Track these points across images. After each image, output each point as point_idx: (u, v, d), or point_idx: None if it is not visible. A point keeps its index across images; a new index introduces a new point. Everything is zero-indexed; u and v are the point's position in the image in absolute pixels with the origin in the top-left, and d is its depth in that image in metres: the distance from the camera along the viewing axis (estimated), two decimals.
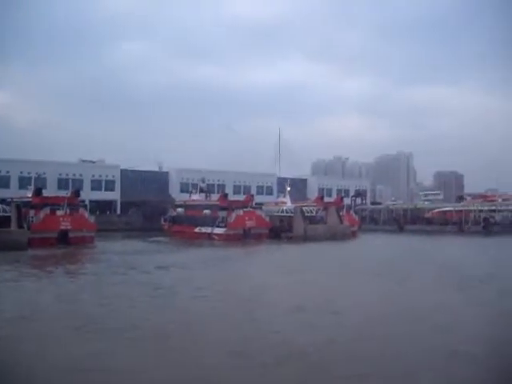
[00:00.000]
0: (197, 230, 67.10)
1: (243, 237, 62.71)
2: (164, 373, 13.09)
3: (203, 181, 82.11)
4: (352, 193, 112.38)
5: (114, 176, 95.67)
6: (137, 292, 25.32)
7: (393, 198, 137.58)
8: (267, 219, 66.71)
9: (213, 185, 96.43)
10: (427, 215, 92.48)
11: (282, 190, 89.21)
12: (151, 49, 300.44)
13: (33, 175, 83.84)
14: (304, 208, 70.29)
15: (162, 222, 76.59)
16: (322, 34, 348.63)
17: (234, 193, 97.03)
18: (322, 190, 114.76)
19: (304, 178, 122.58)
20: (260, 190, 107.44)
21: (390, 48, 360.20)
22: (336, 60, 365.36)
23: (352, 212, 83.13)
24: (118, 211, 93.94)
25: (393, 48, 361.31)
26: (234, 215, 64.46)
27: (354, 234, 71.74)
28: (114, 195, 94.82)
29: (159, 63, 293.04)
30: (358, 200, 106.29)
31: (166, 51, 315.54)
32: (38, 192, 59.94)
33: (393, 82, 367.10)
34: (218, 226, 65.21)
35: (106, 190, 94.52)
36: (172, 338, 16.64)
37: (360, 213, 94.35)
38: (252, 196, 72.31)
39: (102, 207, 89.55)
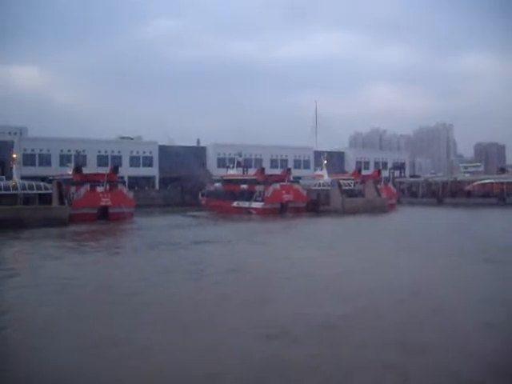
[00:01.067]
0: (234, 204, 67.54)
1: (280, 211, 62.86)
2: None
3: (240, 155, 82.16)
4: (390, 165, 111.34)
5: (151, 152, 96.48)
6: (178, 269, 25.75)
7: (432, 171, 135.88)
8: (304, 193, 66.60)
9: (250, 159, 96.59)
10: (467, 188, 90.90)
11: (319, 164, 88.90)
12: (185, 25, 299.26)
13: (73, 153, 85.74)
14: (341, 181, 70.05)
15: (200, 196, 77.24)
16: (354, 3, 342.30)
17: (271, 167, 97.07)
18: (360, 162, 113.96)
19: (341, 151, 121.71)
20: (297, 164, 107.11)
21: (424, 15, 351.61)
22: (368, 30, 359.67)
23: (390, 185, 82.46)
24: (157, 187, 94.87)
25: (427, 15, 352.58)
26: (271, 189, 64.58)
27: (392, 207, 71.26)
28: (153, 171, 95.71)
29: (192, 39, 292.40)
30: (397, 173, 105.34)
31: (200, 27, 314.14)
32: (78, 169, 61.04)
33: (428, 50, 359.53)
34: (255, 200, 65.47)
35: (145, 165, 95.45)
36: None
37: (398, 186, 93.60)
38: (289, 170, 72.15)
39: (140, 183, 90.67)
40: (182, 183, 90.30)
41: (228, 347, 12.92)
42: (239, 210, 65.77)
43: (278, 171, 79.45)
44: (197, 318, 15.60)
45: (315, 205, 66.08)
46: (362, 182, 72.69)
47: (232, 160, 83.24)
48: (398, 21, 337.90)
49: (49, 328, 14.80)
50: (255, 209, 64.32)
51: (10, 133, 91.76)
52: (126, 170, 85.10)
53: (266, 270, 24.03)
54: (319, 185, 70.51)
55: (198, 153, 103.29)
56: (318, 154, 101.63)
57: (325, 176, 76.03)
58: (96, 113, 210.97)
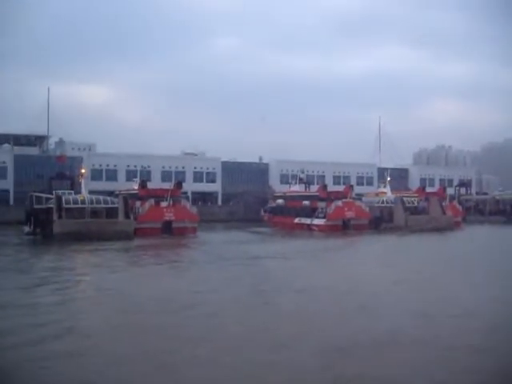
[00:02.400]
0: (296, 220, 67.50)
1: (343, 228, 62.32)
2: None
3: (303, 172, 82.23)
4: (456, 182, 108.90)
5: (215, 168, 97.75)
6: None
7: (500, 188, 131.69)
8: (367, 210, 65.86)
9: (312, 176, 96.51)
10: None
11: (382, 181, 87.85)
12: (246, 43, 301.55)
13: (138, 168, 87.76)
14: (405, 198, 68.98)
15: (262, 212, 77.58)
16: (414, 18, 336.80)
17: (334, 183, 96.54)
18: (424, 179, 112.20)
19: (405, 167, 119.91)
20: (360, 181, 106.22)
21: (488, 28, 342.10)
22: (431, 44, 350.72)
23: (456, 202, 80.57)
24: (219, 202, 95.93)
25: (491, 28, 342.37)
26: (333, 206, 64.15)
27: (457, 225, 69.56)
28: (216, 187, 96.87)
29: (254, 57, 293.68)
30: (463, 190, 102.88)
31: (258, 45, 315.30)
32: (143, 184, 62.34)
33: (493, 64, 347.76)
34: (317, 217, 65.22)
35: (208, 181, 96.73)
36: None
37: (464, 203, 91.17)
38: (351, 186, 71.58)
39: (203, 198, 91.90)
40: (244, 199, 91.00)
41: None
42: (301, 226, 65.69)
43: (340, 188, 79.05)
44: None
45: (378, 222, 65.30)
46: (427, 199, 71.31)
47: (294, 176, 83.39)
48: (461, 35, 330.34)
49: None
50: (317, 225, 64.03)
51: (79, 149, 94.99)
52: (189, 186, 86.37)
53: (325, 287, 23.95)
54: (382, 202, 69.64)
55: (260, 169, 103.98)
56: (381, 171, 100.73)
57: (388, 193, 75.04)
58: (160, 129, 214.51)
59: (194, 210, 60.05)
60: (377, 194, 77.63)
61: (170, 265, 33.49)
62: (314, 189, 76.01)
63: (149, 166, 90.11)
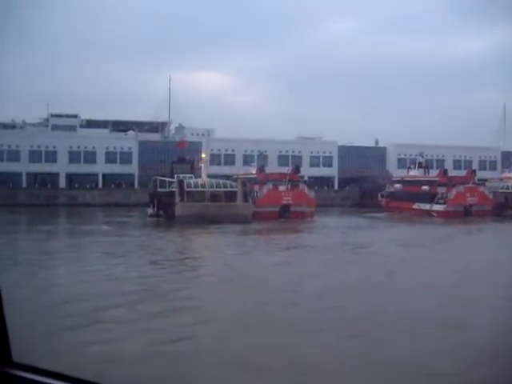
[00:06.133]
0: (415, 206, 66.04)
1: (464, 214, 60.31)
2: None
3: (422, 156, 79.92)
4: None
5: (331, 152, 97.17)
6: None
7: None
8: (490, 196, 63.47)
9: (431, 160, 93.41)
10: None
11: (507, 165, 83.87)
12: (360, 27, 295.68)
13: (255, 153, 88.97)
14: None
15: (379, 197, 76.31)
16: None
17: (454, 168, 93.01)
18: None
19: None
20: (482, 165, 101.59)
21: None
22: None
23: None
24: (336, 187, 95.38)
25: None
26: (454, 191, 62.42)
27: None
28: (332, 171, 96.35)
29: (367, 41, 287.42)
30: None
31: (375, 29, 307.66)
32: (261, 168, 63.28)
33: None
34: (437, 203, 63.65)
35: (324, 165, 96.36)
36: None
37: None
38: (474, 171, 69.07)
39: (319, 183, 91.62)
40: (360, 184, 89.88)
41: None
42: (420, 212, 64.21)
43: (461, 173, 76.33)
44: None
45: (502, 209, 62.59)
46: None
47: (413, 161, 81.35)
48: None
49: None
50: (437, 211, 62.37)
51: (198, 134, 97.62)
52: (306, 170, 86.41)
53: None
54: (507, 187, 66.67)
55: (377, 153, 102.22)
56: (505, 155, 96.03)
57: None
58: (274, 113, 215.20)
59: (312, 194, 60.30)
60: (501, 179, 74.32)
61: (289, 248, 33.94)
62: (434, 173, 73.89)
63: (265, 151, 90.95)
